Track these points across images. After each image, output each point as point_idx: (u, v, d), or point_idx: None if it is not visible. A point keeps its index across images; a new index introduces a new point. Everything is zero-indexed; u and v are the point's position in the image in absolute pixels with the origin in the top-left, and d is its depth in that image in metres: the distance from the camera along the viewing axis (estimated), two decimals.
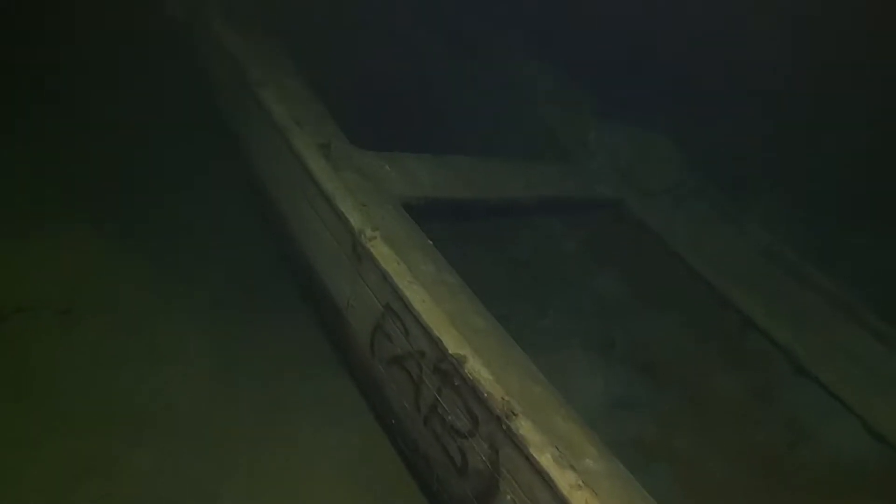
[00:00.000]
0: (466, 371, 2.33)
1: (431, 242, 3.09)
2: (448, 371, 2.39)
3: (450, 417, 2.43)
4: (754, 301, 3.88)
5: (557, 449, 2.23)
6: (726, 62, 4.81)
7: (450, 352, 2.37)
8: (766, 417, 3.80)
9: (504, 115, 4.92)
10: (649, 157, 4.34)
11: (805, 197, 4.58)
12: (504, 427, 2.26)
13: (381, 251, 2.63)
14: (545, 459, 2.19)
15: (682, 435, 3.76)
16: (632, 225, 4.25)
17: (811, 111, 4.96)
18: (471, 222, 4.22)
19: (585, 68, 4.90)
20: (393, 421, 2.79)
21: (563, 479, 2.16)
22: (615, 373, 4.00)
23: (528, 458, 2.21)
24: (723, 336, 4.02)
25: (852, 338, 3.84)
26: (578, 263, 4.48)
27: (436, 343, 2.41)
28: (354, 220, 2.74)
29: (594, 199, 4.17)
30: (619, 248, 4.40)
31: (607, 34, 5.22)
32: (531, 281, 4.41)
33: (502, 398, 2.26)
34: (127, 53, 4.53)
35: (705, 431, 3.76)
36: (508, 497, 2.31)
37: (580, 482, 2.16)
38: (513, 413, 2.25)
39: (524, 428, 2.24)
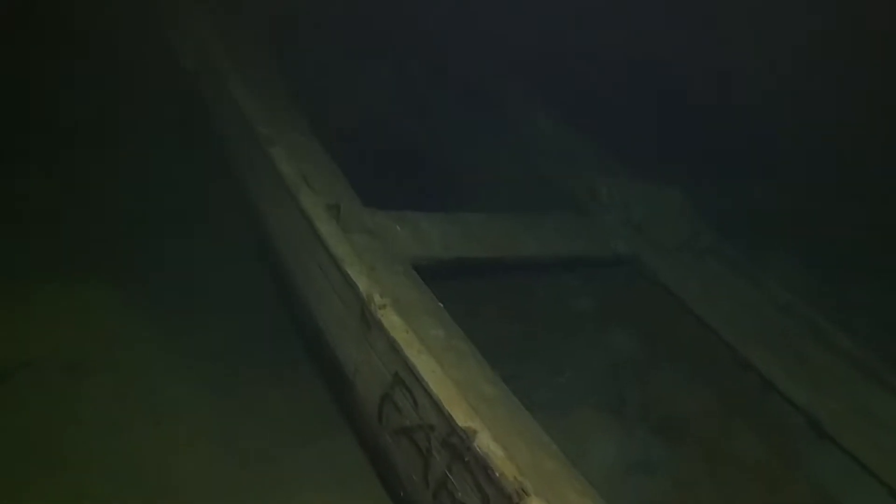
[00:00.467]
0: (477, 446, 2.23)
1: (442, 305, 3.01)
2: (457, 446, 2.28)
3: (459, 494, 2.32)
4: (773, 360, 3.76)
5: None
6: (740, 121, 4.78)
7: (459, 426, 2.27)
8: (788, 483, 3.65)
9: (516, 169, 4.88)
10: (663, 212, 4.27)
11: (821, 253, 4.50)
12: None
13: (390, 319, 2.54)
14: None
15: (702, 500, 3.62)
16: (646, 281, 4.16)
17: (828, 170, 4.93)
18: (483, 280, 4.14)
19: (598, 122, 4.87)
20: (401, 493, 2.68)
21: None
22: (630, 434, 3.87)
23: None
24: (741, 396, 3.89)
25: (874, 399, 3.70)
26: (592, 320, 4.38)
27: (445, 416, 2.31)
28: (363, 285, 2.66)
29: (608, 255, 4.08)
30: (633, 304, 4.30)
31: (621, 88, 5.22)
32: (544, 338, 4.30)
33: (514, 477, 2.15)
34: (141, 105, 4.54)
35: (726, 497, 3.62)
36: None
37: None
38: (525, 492, 2.14)
39: None
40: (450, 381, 2.40)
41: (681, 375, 4.06)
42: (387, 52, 5.63)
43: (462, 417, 2.29)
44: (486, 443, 2.24)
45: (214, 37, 4.05)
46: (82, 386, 3.58)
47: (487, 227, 3.71)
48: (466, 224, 3.66)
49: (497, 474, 2.17)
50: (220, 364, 3.74)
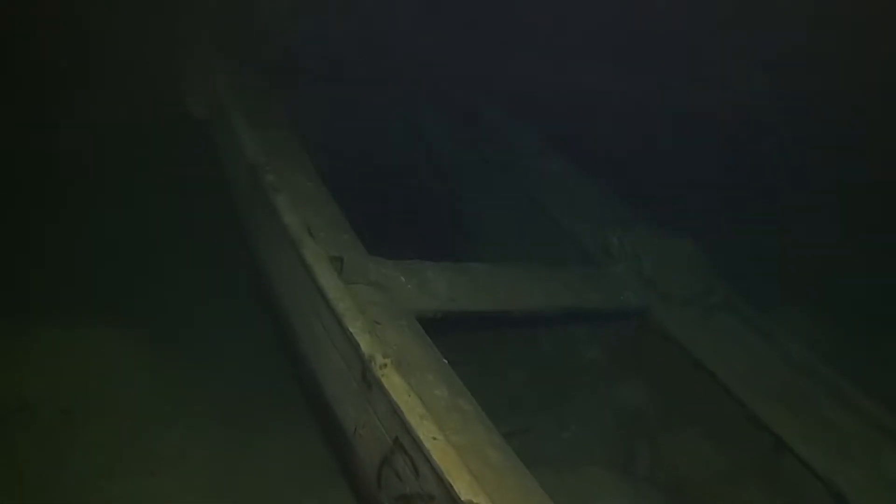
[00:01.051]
0: None
1: (447, 361, 2.90)
2: None
3: None
4: (788, 421, 3.60)
5: None
6: (755, 173, 4.69)
7: (462, 499, 2.14)
8: None
9: (524, 217, 4.78)
10: (675, 264, 4.14)
11: (838, 305, 4.36)
12: None
13: (391, 381, 2.43)
14: None
15: None
16: (657, 335, 4.02)
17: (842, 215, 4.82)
18: (489, 331, 4.02)
19: (609, 170, 4.78)
20: None
21: None
22: (639, 494, 3.72)
23: None
24: (755, 457, 3.72)
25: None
26: (601, 373, 4.24)
27: (446, 487, 2.18)
28: (365, 343, 2.55)
29: (618, 308, 3.95)
30: (643, 358, 4.17)
31: (633, 136, 5.14)
32: (552, 390, 4.17)
33: None
34: (144, 148, 4.51)
35: None
36: None
37: None
38: None
39: None
40: (452, 448, 2.27)
41: (692, 434, 3.91)
42: (398, 94, 5.58)
43: (464, 489, 2.17)
44: None
45: (223, 82, 4.00)
46: (78, 432, 3.52)
47: (495, 278, 3.60)
48: (473, 275, 3.55)
49: None
50: (218, 412, 3.64)
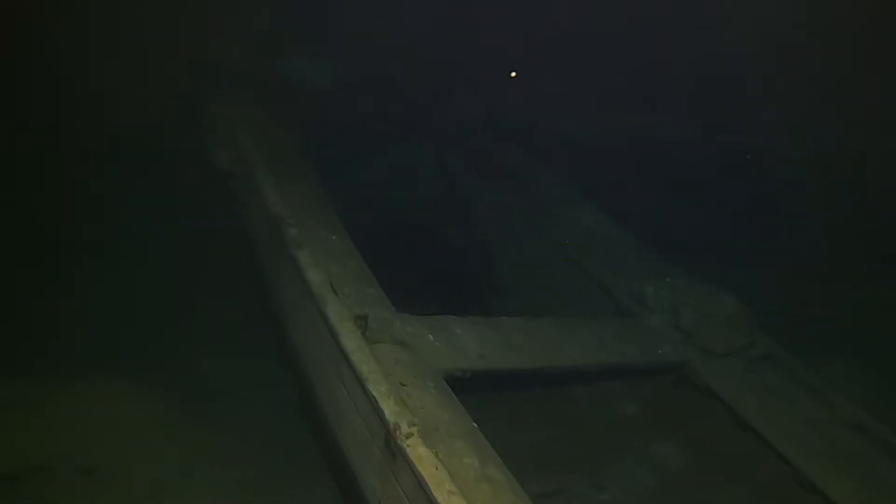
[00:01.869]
0: None
1: (476, 425, 2.70)
2: None
3: None
4: (842, 484, 3.31)
5: None
6: (791, 222, 4.50)
7: None
8: None
9: (556, 268, 4.60)
10: (714, 315, 3.92)
11: (887, 362, 4.09)
12: None
13: (417, 452, 2.24)
14: None
15: None
16: (697, 390, 3.79)
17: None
18: (521, 386, 3.82)
19: (643, 217, 4.60)
20: None
21: None
22: None
23: None
24: None
25: None
26: (638, 429, 4.00)
27: None
28: (389, 409, 2.38)
29: (656, 362, 3.74)
30: (683, 414, 3.93)
31: (667, 183, 4.97)
32: (587, 448, 3.93)
33: None
34: (168, 200, 4.44)
35: None
36: None
37: None
38: None
39: None
40: None
41: (736, 497, 3.63)
42: (429, 147, 5.49)
43: None
44: None
45: (249, 135, 3.92)
46: (96, 492, 3.38)
47: (526, 334, 3.42)
48: (504, 330, 3.37)
49: None
50: (238, 479, 3.46)
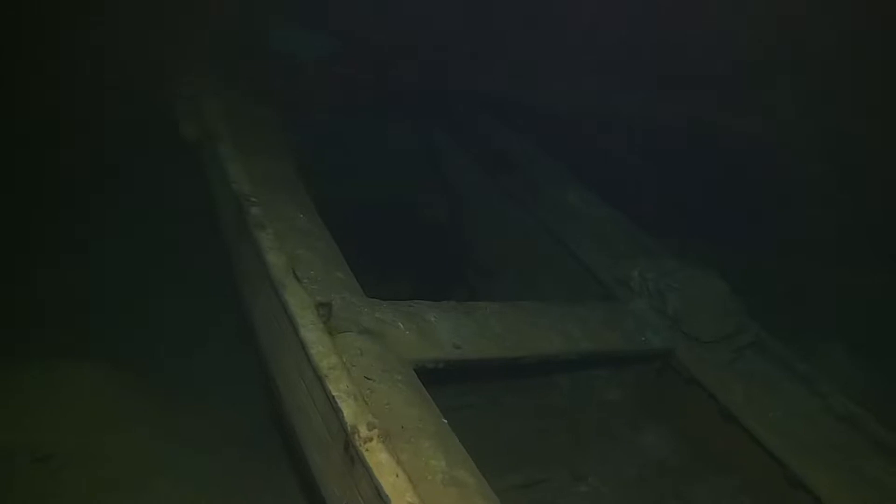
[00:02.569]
0: None
1: (447, 422, 2.50)
2: None
3: None
4: (830, 480, 3.14)
5: None
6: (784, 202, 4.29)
7: None
8: None
9: (539, 248, 4.39)
10: (701, 301, 3.70)
11: (883, 350, 3.90)
12: None
13: (377, 458, 2.05)
14: None
15: None
16: (682, 378, 3.60)
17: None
18: (498, 379, 3.63)
19: (629, 197, 4.38)
20: None
21: None
22: None
23: None
24: None
25: None
26: (622, 418, 3.83)
27: None
28: (349, 410, 2.17)
29: (640, 350, 3.54)
30: (668, 403, 3.76)
31: (653, 158, 4.75)
32: (568, 436, 3.77)
33: None
34: (139, 174, 4.21)
35: None
36: None
37: None
38: None
39: None
40: None
41: (720, 489, 3.48)
42: (410, 120, 5.24)
43: None
44: None
45: (216, 106, 3.67)
46: (53, 480, 3.18)
47: (505, 320, 3.20)
48: (481, 316, 3.16)
49: None
50: (208, 470, 3.28)
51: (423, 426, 2.40)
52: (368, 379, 2.45)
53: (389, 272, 4.49)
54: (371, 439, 2.08)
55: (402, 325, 2.87)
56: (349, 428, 2.12)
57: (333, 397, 2.20)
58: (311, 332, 2.40)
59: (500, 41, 5.49)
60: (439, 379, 2.83)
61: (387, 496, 1.96)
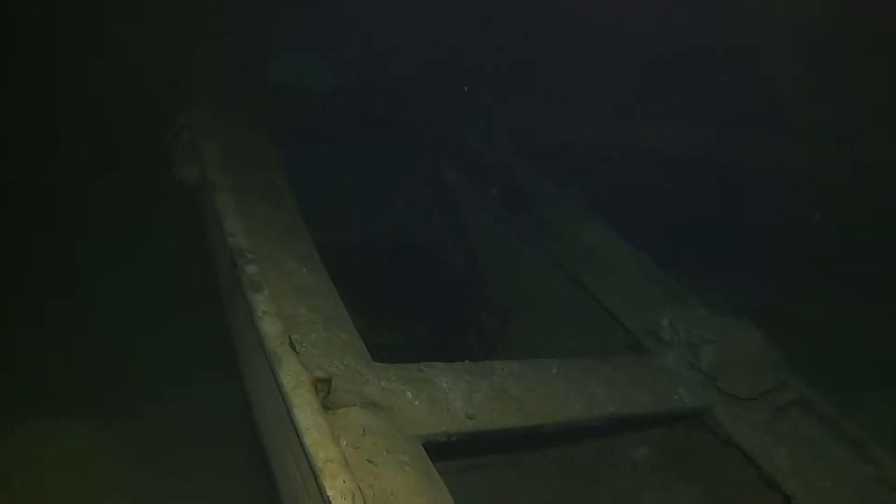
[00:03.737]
0: None
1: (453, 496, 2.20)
2: None
3: None
4: None
5: None
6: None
7: None
8: None
9: (559, 293, 4.07)
10: (738, 353, 3.35)
11: None
12: None
13: None
14: None
15: None
16: (718, 439, 3.25)
17: None
18: (516, 447, 3.31)
19: (659, 238, 4.05)
20: None
21: None
22: None
23: None
24: None
25: None
26: (652, 479, 3.48)
27: None
28: None
29: (672, 410, 3.20)
30: (701, 464, 3.41)
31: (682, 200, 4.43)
32: (593, 499, 3.43)
33: None
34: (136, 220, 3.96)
35: None
36: None
37: None
38: None
39: None
40: None
41: None
42: (420, 156, 4.96)
43: None
44: None
45: (212, 146, 3.40)
46: None
47: (524, 383, 2.89)
48: (498, 379, 2.85)
49: None
50: None
51: None
52: (371, 463, 2.15)
53: (399, 320, 4.21)
54: None
55: (410, 395, 2.57)
56: None
57: (329, 498, 1.89)
58: (307, 416, 2.10)
59: (514, 70, 5.20)
60: (449, 453, 2.52)
61: None
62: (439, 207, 4.85)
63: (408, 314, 4.34)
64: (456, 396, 2.67)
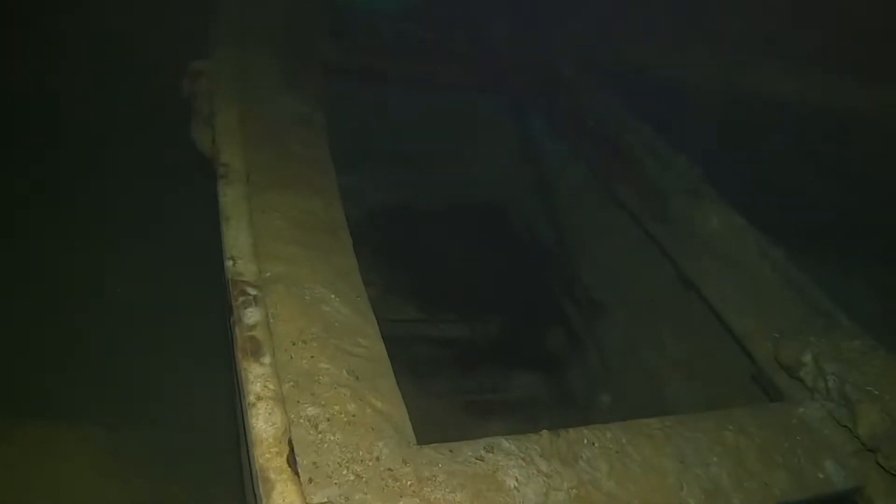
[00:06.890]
0: None
1: None
2: None
3: None
4: None
5: None
6: None
7: None
8: None
9: (665, 293, 3.18)
10: None
11: None
12: None
13: None
14: None
15: None
16: None
17: None
18: None
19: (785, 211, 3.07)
20: None
21: None
22: None
23: None
24: None
25: None
26: None
27: None
28: None
29: (815, 493, 2.33)
30: None
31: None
32: None
33: None
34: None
35: None
36: None
37: None
38: None
39: None
40: None
41: None
42: (500, 102, 3.99)
43: None
44: None
45: (230, 105, 2.58)
46: None
47: (621, 466, 2.08)
48: (585, 464, 2.05)
49: None
50: None
51: None
52: None
53: (464, 307, 3.42)
54: None
55: (460, 499, 1.80)
56: None
57: None
58: None
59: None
60: None
61: None
62: (524, 165, 3.91)
63: (476, 300, 3.54)
64: (527, 497, 1.88)
